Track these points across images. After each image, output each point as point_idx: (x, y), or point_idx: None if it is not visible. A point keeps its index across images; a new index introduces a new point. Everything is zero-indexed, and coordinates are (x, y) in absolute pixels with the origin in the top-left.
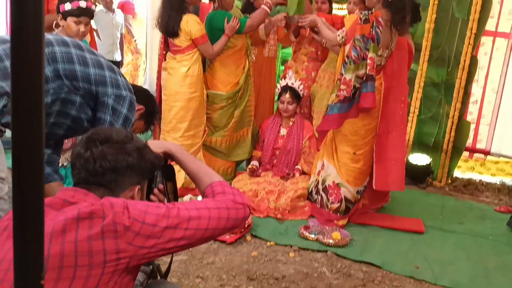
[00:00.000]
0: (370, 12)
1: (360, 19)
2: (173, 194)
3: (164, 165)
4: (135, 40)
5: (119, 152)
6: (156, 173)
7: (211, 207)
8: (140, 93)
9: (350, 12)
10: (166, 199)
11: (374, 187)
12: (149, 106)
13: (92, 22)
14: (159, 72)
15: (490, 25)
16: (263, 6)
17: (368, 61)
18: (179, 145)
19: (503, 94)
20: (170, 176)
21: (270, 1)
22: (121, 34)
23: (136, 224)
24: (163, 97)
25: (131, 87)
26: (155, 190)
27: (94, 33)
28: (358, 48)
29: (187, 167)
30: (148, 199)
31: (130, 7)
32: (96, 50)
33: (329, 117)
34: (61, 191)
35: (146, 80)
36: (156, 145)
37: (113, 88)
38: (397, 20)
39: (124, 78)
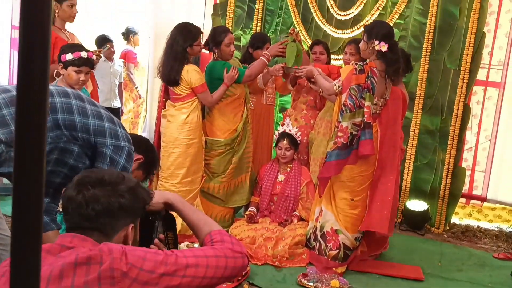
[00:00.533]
0: (365, 63)
1: (356, 69)
2: (173, 244)
3: (165, 215)
4: (136, 88)
5: (111, 194)
6: (157, 223)
7: (210, 255)
8: (140, 142)
9: (346, 63)
10: (166, 249)
11: (359, 228)
12: (149, 155)
13: None
14: (158, 119)
15: (481, 75)
16: (261, 57)
17: (365, 109)
18: (179, 195)
19: (497, 141)
20: (171, 226)
21: (268, 53)
22: (120, 83)
23: (133, 270)
24: (162, 144)
25: (130, 138)
26: (156, 240)
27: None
28: (354, 97)
29: (187, 217)
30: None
31: (132, 57)
32: (98, 99)
33: (328, 163)
34: (59, 237)
35: (145, 127)
36: (156, 196)
37: (112, 138)
38: (391, 71)
39: (124, 129)
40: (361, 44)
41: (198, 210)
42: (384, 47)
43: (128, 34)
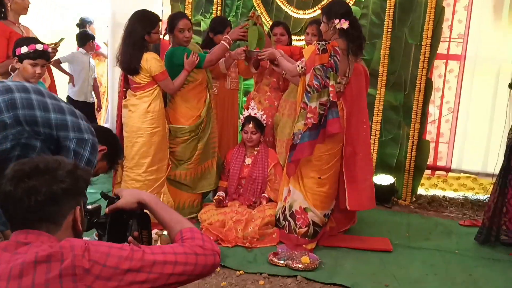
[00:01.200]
0: (327, 42)
1: (318, 49)
2: (148, 243)
3: (139, 213)
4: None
5: (51, 181)
6: (131, 222)
7: (179, 252)
8: (103, 133)
9: (308, 43)
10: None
11: (348, 208)
12: (112, 146)
13: (67, 65)
14: (119, 109)
15: (441, 49)
16: (222, 41)
17: (330, 88)
18: (153, 195)
19: (459, 113)
20: (145, 224)
21: (229, 37)
22: (95, 77)
23: (96, 267)
24: (124, 134)
25: (93, 130)
26: (130, 238)
27: (69, 78)
28: (319, 77)
29: (159, 216)
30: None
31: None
32: (56, 93)
33: (301, 145)
34: (13, 235)
35: (108, 117)
36: (130, 195)
37: (75, 132)
38: (355, 48)
39: (86, 121)
40: (322, 27)
41: (171, 209)
42: (345, 24)
43: (83, 25)
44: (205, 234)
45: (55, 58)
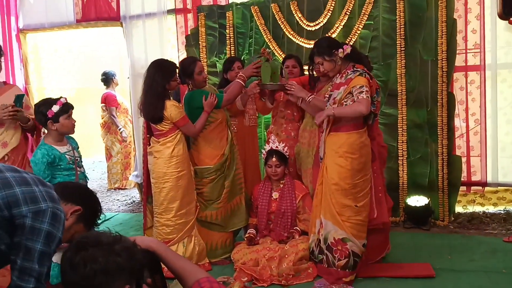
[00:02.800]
0: (358, 70)
1: (368, 80)
2: (162, 287)
3: (149, 258)
4: (119, 130)
5: (108, 253)
6: (142, 270)
7: None
8: (75, 192)
9: (317, 71)
10: None
11: (375, 216)
12: (88, 205)
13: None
14: (144, 156)
15: (459, 61)
16: (237, 79)
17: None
18: (160, 241)
19: (487, 123)
20: (156, 269)
21: (243, 74)
22: None
23: None
24: (152, 180)
25: (53, 195)
26: (144, 286)
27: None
28: (376, 102)
29: (170, 263)
30: None
31: (112, 99)
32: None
33: None
34: None
35: (136, 165)
36: (138, 242)
37: (28, 204)
38: (366, 65)
39: (46, 186)
40: (327, 66)
41: (181, 256)
42: (348, 49)
43: (108, 78)
44: (221, 284)
45: None
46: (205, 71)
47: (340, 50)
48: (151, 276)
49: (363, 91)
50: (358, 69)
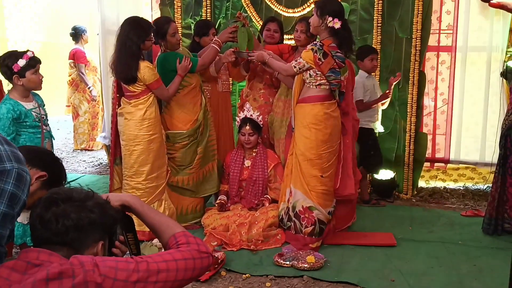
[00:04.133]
0: (321, 44)
1: (319, 59)
2: (135, 245)
3: (122, 216)
4: (89, 88)
5: (81, 209)
6: (115, 226)
7: (178, 259)
8: (41, 157)
9: (296, 40)
10: (128, 250)
11: (336, 189)
12: (54, 171)
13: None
14: (113, 116)
15: (432, 41)
16: (212, 44)
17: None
18: (136, 196)
19: (454, 104)
20: (129, 227)
21: (219, 39)
22: None
23: (107, 281)
24: (121, 142)
25: (19, 155)
26: (117, 243)
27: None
28: (334, 81)
29: (146, 218)
30: (111, 253)
31: (81, 55)
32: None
33: None
34: (22, 253)
35: (104, 126)
36: (113, 198)
37: None
38: (345, 48)
39: (11, 145)
40: (313, 19)
41: (157, 211)
42: (337, 24)
43: (78, 34)
44: (197, 237)
45: None
46: (179, 33)
47: (330, 18)
48: (124, 234)
49: (297, 62)
50: (316, 44)
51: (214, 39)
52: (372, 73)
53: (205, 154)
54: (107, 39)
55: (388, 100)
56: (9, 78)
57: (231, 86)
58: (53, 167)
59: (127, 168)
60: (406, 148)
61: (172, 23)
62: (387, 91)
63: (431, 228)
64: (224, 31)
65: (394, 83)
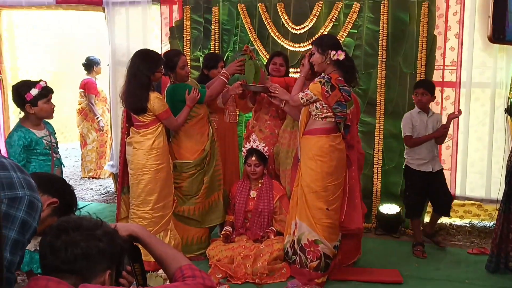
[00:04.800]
0: (329, 77)
1: (327, 91)
2: (141, 275)
3: (129, 246)
4: (97, 118)
5: (90, 238)
6: (123, 255)
7: None
8: (52, 183)
9: (303, 74)
10: (135, 281)
11: (341, 223)
12: (65, 198)
13: None
14: (122, 146)
15: (436, 76)
16: (220, 76)
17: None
18: (144, 227)
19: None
20: (136, 257)
21: (226, 72)
22: None
23: None
24: (130, 171)
25: (32, 182)
26: (124, 273)
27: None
28: (339, 114)
29: (154, 250)
30: (118, 283)
31: (92, 86)
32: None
33: None
34: (32, 281)
35: (112, 155)
36: (121, 228)
37: (5, 190)
38: (349, 78)
39: (24, 173)
40: (315, 58)
41: (164, 242)
42: (341, 55)
43: (91, 65)
44: (203, 271)
45: None
46: (188, 65)
47: (333, 52)
48: (131, 264)
49: (305, 94)
50: (324, 76)
51: (222, 71)
52: (423, 108)
53: (211, 184)
54: (117, 70)
55: (446, 137)
56: (21, 106)
57: (237, 117)
58: (64, 193)
59: (134, 197)
60: None
61: (181, 56)
62: (443, 126)
63: (438, 266)
64: (232, 63)
65: (453, 119)
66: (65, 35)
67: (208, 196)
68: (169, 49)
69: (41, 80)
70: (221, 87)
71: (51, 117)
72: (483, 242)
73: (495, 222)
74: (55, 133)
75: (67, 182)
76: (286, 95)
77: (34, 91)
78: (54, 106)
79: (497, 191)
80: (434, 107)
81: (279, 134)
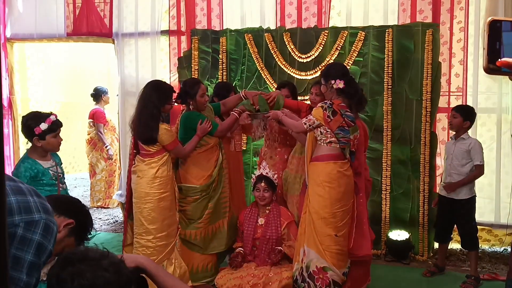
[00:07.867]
0: (330, 102)
1: (328, 116)
2: None
3: (136, 278)
4: (106, 147)
5: (96, 269)
6: (130, 286)
7: None
8: (69, 205)
9: (312, 102)
10: None
11: (350, 249)
12: (80, 219)
13: None
14: (129, 172)
15: (442, 102)
16: (232, 113)
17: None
18: (150, 259)
19: None
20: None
21: (238, 109)
22: None
23: None
24: (133, 200)
25: (47, 206)
26: None
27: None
28: (342, 139)
29: (159, 280)
30: None
31: (101, 116)
32: None
33: None
34: None
35: (121, 184)
36: (128, 259)
37: (22, 214)
38: (354, 104)
39: (40, 197)
40: (322, 88)
41: (171, 274)
42: (340, 84)
43: (99, 94)
44: None
45: None
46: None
47: (333, 81)
48: None
49: (308, 119)
50: (326, 102)
51: (234, 109)
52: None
53: (215, 210)
54: (126, 99)
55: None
56: (29, 138)
57: (243, 146)
58: (80, 215)
59: (137, 226)
60: (420, 209)
61: (201, 85)
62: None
63: None
64: (244, 114)
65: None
66: (75, 67)
67: (212, 222)
68: (177, 79)
69: (51, 114)
70: (232, 123)
71: (57, 150)
72: (494, 267)
73: (505, 247)
74: (61, 163)
75: (83, 203)
76: (277, 112)
77: (43, 126)
78: (62, 140)
79: (507, 216)
80: (441, 132)
81: (288, 159)
